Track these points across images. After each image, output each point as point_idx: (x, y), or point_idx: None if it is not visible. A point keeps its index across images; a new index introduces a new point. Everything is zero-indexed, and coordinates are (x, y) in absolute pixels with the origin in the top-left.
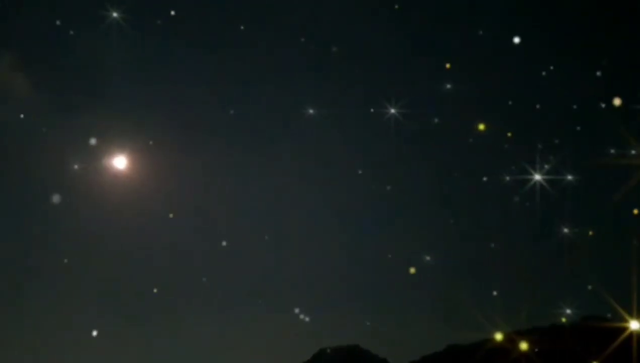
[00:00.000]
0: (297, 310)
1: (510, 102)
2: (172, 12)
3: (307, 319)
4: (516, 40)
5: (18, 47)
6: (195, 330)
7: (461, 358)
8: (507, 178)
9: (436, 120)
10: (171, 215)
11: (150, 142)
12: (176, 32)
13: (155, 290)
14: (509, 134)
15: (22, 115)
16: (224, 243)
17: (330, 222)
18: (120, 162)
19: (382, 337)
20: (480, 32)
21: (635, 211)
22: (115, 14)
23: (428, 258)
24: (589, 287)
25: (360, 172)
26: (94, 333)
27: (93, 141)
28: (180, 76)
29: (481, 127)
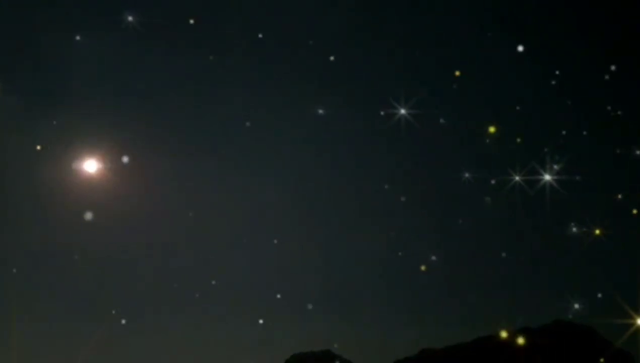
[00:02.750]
0: (268, 315)
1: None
2: (151, 14)
3: (278, 324)
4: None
5: None
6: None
7: None
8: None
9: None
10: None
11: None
12: (157, 32)
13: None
14: (519, 140)
15: None
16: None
17: (303, 222)
18: (91, 165)
19: (354, 341)
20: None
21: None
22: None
23: (434, 258)
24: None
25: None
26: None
27: (65, 144)
28: (156, 77)
29: (492, 129)
